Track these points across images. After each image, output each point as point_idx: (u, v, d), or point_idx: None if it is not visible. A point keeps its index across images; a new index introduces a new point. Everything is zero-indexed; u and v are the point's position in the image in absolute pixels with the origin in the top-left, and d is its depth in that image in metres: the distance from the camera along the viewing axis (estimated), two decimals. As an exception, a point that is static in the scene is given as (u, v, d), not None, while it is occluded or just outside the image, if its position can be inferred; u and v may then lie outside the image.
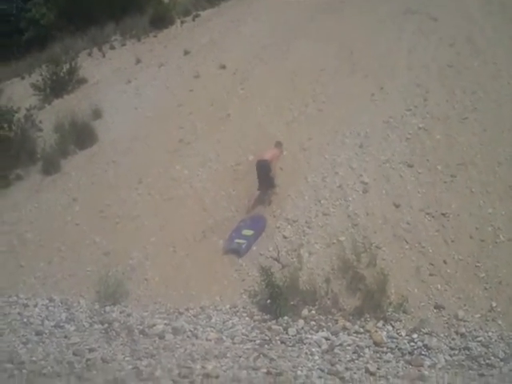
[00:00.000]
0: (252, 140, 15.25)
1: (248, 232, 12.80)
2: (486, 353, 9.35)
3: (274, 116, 16.08)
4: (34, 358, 9.84)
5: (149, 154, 15.98)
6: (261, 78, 18.28)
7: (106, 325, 11.10)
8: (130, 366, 9.49)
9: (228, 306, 11.39)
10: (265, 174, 13.29)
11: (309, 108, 16.10)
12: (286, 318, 10.76)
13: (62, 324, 11.30)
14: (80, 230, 14.07)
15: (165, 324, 10.92)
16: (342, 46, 18.42)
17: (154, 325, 10.91)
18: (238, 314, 11.16)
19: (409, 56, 16.88)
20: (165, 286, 12.16)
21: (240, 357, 9.65)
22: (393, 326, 10.25)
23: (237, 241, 12.64)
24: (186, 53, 21.43)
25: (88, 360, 9.74)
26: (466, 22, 17.70)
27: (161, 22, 25.53)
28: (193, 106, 17.72)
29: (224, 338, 10.37)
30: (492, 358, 9.23)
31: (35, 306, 12.16)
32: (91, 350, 10.08)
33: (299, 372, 9.06)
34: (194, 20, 25.34)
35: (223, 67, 19.43)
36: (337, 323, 10.51)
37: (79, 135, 17.49)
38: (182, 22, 25.41)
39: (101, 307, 11.79)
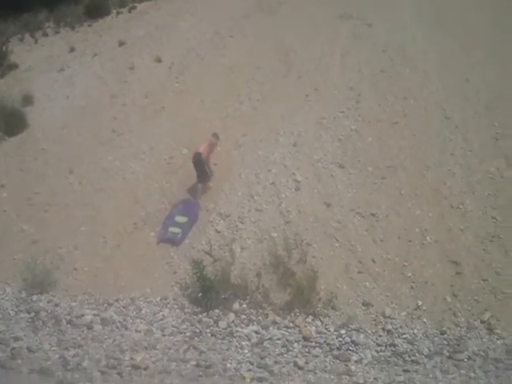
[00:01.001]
0: (186, 134, 15.20)
1: (182, 219, 12.79)
2: (411, 349, 9.64)
3: (209, 111, 16.10)
4: (-46, 347, 9.54)
5: (81, 143, 15.67)
6: (197, 73, 18.28)
7: (33, 314, 10.86)
8: (57, 356, 9.33)
9: (159, 298, 11.31)
10: (200, 167, 13.34)
11: (244, 105, 16.22)
12: (216, 311, 10.78)
13: (-14, 312, 10.99)
14: (7, 217, 13.67)
15: (93, 314, 10.76)
16: (278, 46, 18.66)
17: (83, 315, 10.74)
18: (169, 306, 11.10)
19: (343, 59, 17.28)
20: (94, 277, 11.97)
21: (170, 349, 9.62)
22: (322, 322, 10.42)
23: (171, 230, 12.62)
24: (121, 44, 21.15)
25: (13, 349, 9.51)
26: (400, 30, 18.25)
27: (96, 11, 25.08)
28: (127, 98, 17.52)
29: (154, 329, 10.30)
30: (417, 354, 9.52)
31: (-42, 293, 11.76)
32: (16, 339, 9.85)
33: (228, 365, 9.10)
34: (130, 12, 25.02)
35: (159, 60, 19.28)
36: (267, 317, 10.60)
37: (8, 121, 16.91)
38: (118, 13, 25.05)
39: (28, 296, 11.51)
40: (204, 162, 13.37)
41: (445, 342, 9.74)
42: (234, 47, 19.42)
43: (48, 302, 11.34)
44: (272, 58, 18.15)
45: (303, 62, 17.62)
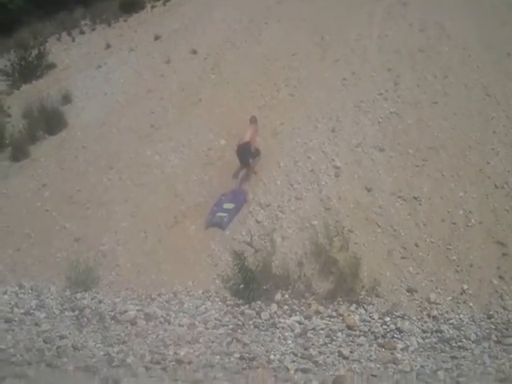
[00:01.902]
0: (223, 125, 15.17)
1: (229, 205, 12.90)
2: (457, 335, 9.38)
3: (246, 101, 16.02)
4: (2, 346, 9.61)
5: (119, 139, 15.80)
6: (232, 63, 18.20)
7: (77, 311, 10.93)
8: (102, 353, 9.34)
9: (201, 292, 11.30)
10: (247, 155, 13.44)
11: (280, 93, 16.07)
12: (259, 302, 10.70)
13: (32, 311, 11.08)
14: (50, 215, 13.87)
15: (137, 310, 10.76)
16: (313, 31, 18.42)
17: (126, 311, 10.75)
18: (211, 298, 11.07)
19: (379, 41, 16.95)
20: (136, 272, 12.04)
21: (213, 342, 9.55)
22: (365, 310, 10.24)
23: (218, 214, 12.75)
24: (157, 38, 21.20)
25: (59, 347, 9.54)
26: (436, 8, 17.81)
27: (131, 6, 25.24)
28: (164, 91, 17.56)
29: (197, 323, 10.25)
30: (464, 340, 9.26)
31: (4, 293, 11.91)
32: (62, 337, 9.87)
33: (272, 356, 8.97)
34: (164, 5, 25.08)
35: (194, 52, 19.26)
36: (310, 307, 10.47)
37: (48, 121, 17.19)
38: (153, 7, 25.15)
39: (72, 294, 11.62)
40: (250, 152, 13.44)
41: (492, 327, 9.46)
42: (268, 34, 19.27)
43: (92, 299, 11.44)
44: (308, 43, 17.95)
45: (339, 46, 17.37)
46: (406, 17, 17.87)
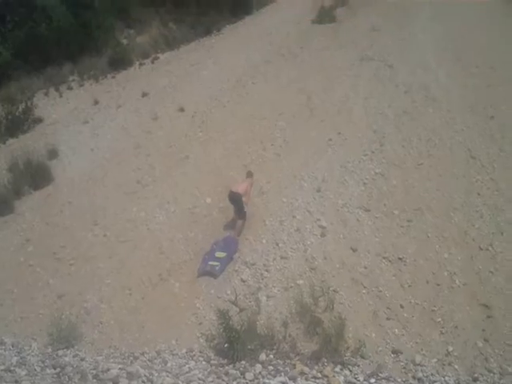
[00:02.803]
0: (210, 182, 15.25)
1: (221, 254, 12.91)
2: (443, 398, 9.34)
3: (233, 159, 16.14)
4: (-19, 405, 9.45)
5: (105, 195, 15.78)
6: (219, 121, 18.41)
7: (59, 369, 10.69)
8: (83, 413, 9.19)
9: (184, 351, 11.13)
10: (239, 204, 13.53)
11: (267, 152, 16.22)
12: (243, 362, 10.55)
13: (12, 368, 10.80)
14: (33, 271, 13.67)
15: (119, 368, 10.56)
16: (300, 91, 18.75)
17: (108, 369, 10.54)
18: (195, 358, 10.90)
19: (365, 102, 17.25)
20: (120, 330, 11.85)
21: (196, 403, 9.44)
22: (350, 371, 10.13)
23: (210, 263, 12.74)
24: (145, 95, 21.46)
25: (39, 406, 9.40)
26: (421, 70, 18.25)
27: (119, 63, 25.59)
28: (151, 148, 17.68)
29: (180, 382, 10.07)
30: (449, 402, 9.23)
31: (-15, 349, 11.71)
32: (43, 396, 9.73)
33: (256, 418, 8.89)
34: (152, 62, 25.47)
35: (182, 110, 19.49)
36: (294, 368, 10.33)
37: (34, 175, 17.14)
38: (141, 64, 25.52)
39: (53, 351, 11.38)
40: (242, 200, 13.51)
41: (478, 389, 9.43)
42: (256, 94, 19.58)
43: (74, 356, 11.21)
44: (294, 103, 18.23)
45: (325, 106, 17.66)
46: (391, 79, 18.26)
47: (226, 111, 18.92)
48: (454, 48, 19.47)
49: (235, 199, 13.55)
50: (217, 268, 12.66)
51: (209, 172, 15.77)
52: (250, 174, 14.31)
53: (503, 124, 14.86)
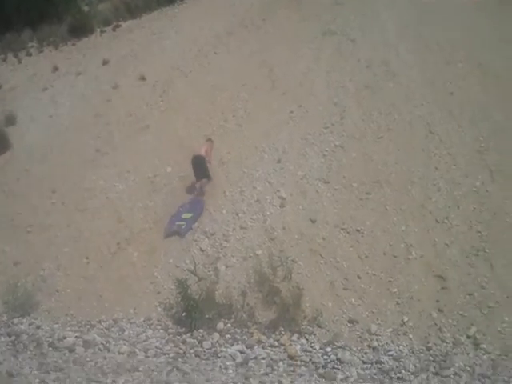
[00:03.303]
0: (170, 152, 15.17)
1: (187, 215, 13.15)
2: (397, 366, 9.49)
3: (194, 129, 16.06)
4: None
5: (64, 163, 15.58)
6: (181, 90, 18.25)
7: (14, 337, 10.66)
8: (37, 380, 9.06)
9: (142, 319, 11.16)
10: (201, 168, 13.66)
11: (228, 122, 16.16)
12: (201, 331, 10.64)
13: (-34, 336, 10.78)
14: (-11, 238, 13.52)
15: (75, 337, 10.59)
16: (263, 63, 18.64)
17: (65, 337, 10.56)
18: (153, 326, 10.96)
19: (327, 75, 17.23)
20: (77, 298, 11.82)
21: (153, 370, 9.43)
22: (307, 340, 10.29)
23: (177, 223, 12.95)
24: (105, 63, 21.11)
25: (-8, 374, 9.30)
26: (383, 45, 18.22)
27: (80, 30, 25.04)
28: (111, 117, 17.46)
29: (137, 351, 10.15)
30: (403, 371, 9.38)
31: None
32: (-4, 363, 9.64)
33: (212, 385, 8.96)
34: (114, 30, 24.99)
35: (143, 79, 19.24)
36: (252, 336, 10.46)
37: (-9, 142, 16.84)
38: (102, 32, 25.02)
39: (8, 319, 11.32)
40: (205, 162, 13.75)
41: (431, 358, 9.62)
42: (218, 64, 19.42)
43: (29, 324, 11.17)
44: (256, 75, 18.13)
45: (288, 79, 17.59)
46: (353, 53, 18.23)
47: (188, 81, 18.76)
48: (416, 25, 19.46)
49: (199, 162, 13.65)
50: (183, 227, 12.83)
51: (169, 141, 15.66)
52: (209, 140, 14.56)
53: (462, 100, 14.98)
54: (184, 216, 13.19)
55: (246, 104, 16.81)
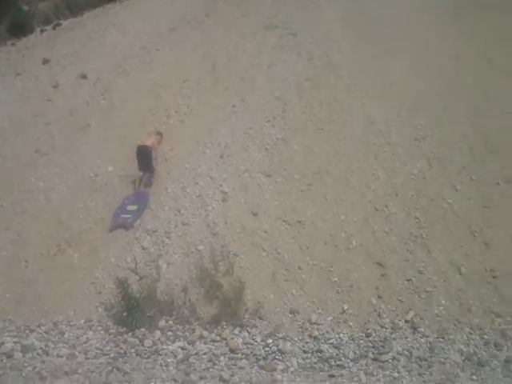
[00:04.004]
0: (112, 151, 14.96)
1: (132, 207, 13.07)
2: (337, 354, 9.64)
3: (136, 127, 15.81)
4: None
5: (2, 165, 15.19)
6: (123, 88, 17.99)
7: None
8: (-27, 388, 8.94)
9: (83, 321, 11.01)
10: (146, 159, 13.56)
11: (171, 119, 16.03)
12: (142, 329, 10.56)
13: None
14: None
15: (14, 342, 10.41)
16: (205, 58, 18.56)
17: (3, 343, 10.37)
18: (93, 328, 10.83)
19: (269, 70, 17.25)
20: (16, 303, 11.56)
21: (92, 372, 9.36)
22: (249, 333, 10.33)
23: (123, 216, 12.86)
24: (45, 62, 20.66)
25: None
26: (324, 38, 18.33)
27: (19, 30, 24.46)
28: (51, 116, 17.08)
29: (77, 353, 10.02)
30: (342, 358, 9.53)
31: None
32: None
33: (152, 384, 8.89)
34: (54, 29, 24.49)
35: (84, 77, 18.90)
36: (194, 332, 10.44)
37: None
38: (42, 31, 24.50)
39: None
40: (151, 153, 13.56)
41: (370, 345, 9.78)
42: (160, 61, 19.23)
43: (-34, 332, 10.91)
44: (199, 71, 18.02)
45: (230, 73, 17.55)
46: (295, 47, 18.28)
47: (130, 79, 18.51)
48: (357, 18, 19.63)
49: (144, 153, 13.53)
50: (129, 220, 12.75)
51: (111, 140, 15.43)
52: (159, 133, 14.47)
53: (401, 91, 15.17)
54: (129, 208, 13.09)
55: (189, 100, 16.70)
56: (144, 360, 9.75)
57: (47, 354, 10.06)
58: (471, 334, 9.87)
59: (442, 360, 9.26)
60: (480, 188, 12.21)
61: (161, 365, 9.56)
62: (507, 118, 13.59)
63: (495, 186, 12.20)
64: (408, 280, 10.67)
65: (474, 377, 9.02)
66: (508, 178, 12.29)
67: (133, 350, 10.04)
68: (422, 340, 9.70)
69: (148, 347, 10.12)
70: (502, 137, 13.14)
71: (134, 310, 10.61)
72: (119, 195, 13.55)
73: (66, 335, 10.63)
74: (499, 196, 11.99)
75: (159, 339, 10.32)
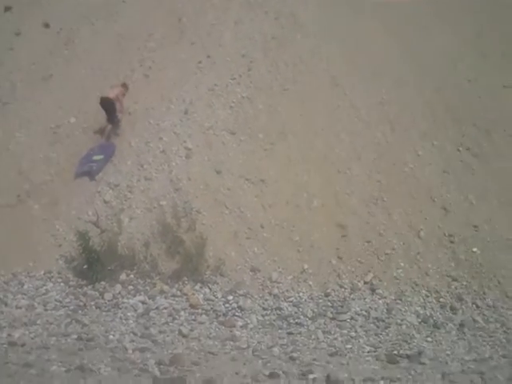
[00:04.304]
0: (75, 102, 14.72)
1: (98, 157, 13.02)
2: (296, 312, 9.83)
3: (99, 79, 15.57)
4: None
5: (-39, 114, 14.87)
6: (87, 39, 17.60)
7: None
8: None
9: (42, 272, 10.99)
10: (109, 111, 13.48)
11: (135, 73, 15.79)
12: (103, 283, 10.59)
13: None
14: None
15: (-28, 292, 10.34)
16: (171, 13, 18.21)
17: (-40, 293, 10.29)
18: (53, 279, 10.82)
19: (235, 26, 17.05)
20: (-26, 254, 11.46)
21: (51, 324, 9.40)
22: (210, 289, 10.45)
23: (88, 164, 12.83)
24: (7, 9, 20.02)
25: None
26: (292, -3, 18.15)
27: (-21, -26, 23.69)
28: (12, 65, 16.68)
29: (36, 304, 10.02)
30: (301, 317, 9.72)
31: None
32: None
33: (111, 337, 8.96)
34: (17, -25, 23.79)
35: (47, 26, 18.42)
36: (155, 287, 10.51)
37: None
38: (4, -23, 23.77)
39: None
40: (114, 105, 13.44)
41: (329, 304, 10.00)
42: (126, 13, 18.80)
43: None
44: (164, 25, 17.71)
45: (196, 29, 17.29)
46: (262, 5, 18.08)
47: (95, 30, 18.09)
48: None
49: (107, 105, 13.39)
50: (94, 168, 12.73)
51: (74, 91, 15.18)
52: (124, 85, 14.22)
53: (366, 54, 15.17)
54: (95, 158, 13.02)
55: (154, 54, 16.45)
56: (104, 313, 9.81)
57: (6, 304, 10.04)
58: (428, 296, 10.18)
59: (399, 321, 9.54)
60: (441, 154, 12.42)
61: (120, 318, 9.63)
62: (470, 86, 13.77)
63: (455, 153, 12.44)
64: (368, 242, 10.88)
65: (429, 338, 9.33)
66: (468, 144, 12.51)
67: (93, 303, 10.09)
68: (380, 301, 9.97)
69: (108, 300, 10.17)
70: (464, 104, 13.33)
71: (94, 263, 10.63)
72: (82, 147, 13.38)
73: (25, 286, 10.61)
74: (459, 162, 12.22)
75: (120, 293, 10.36)
